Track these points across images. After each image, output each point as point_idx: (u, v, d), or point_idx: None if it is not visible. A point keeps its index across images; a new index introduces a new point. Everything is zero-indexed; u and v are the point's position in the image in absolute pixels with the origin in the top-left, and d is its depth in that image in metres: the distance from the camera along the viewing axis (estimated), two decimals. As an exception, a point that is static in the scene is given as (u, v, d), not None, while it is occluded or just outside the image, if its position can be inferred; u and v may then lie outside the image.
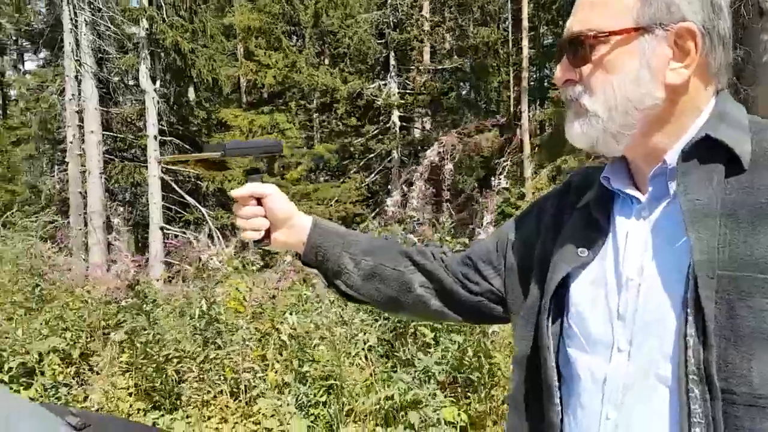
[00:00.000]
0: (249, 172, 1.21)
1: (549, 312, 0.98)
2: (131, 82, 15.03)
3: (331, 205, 12.91)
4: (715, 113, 0.90)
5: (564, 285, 0.98)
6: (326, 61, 18.25)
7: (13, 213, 7.73)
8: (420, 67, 14.03)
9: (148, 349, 4.29)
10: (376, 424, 3.84)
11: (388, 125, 13.83)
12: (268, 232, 1.20)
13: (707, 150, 0.87)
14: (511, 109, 21.72)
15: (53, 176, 13.95)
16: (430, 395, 3.57)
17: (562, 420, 0.97)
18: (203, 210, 13.94)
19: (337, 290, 1.24)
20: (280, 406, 3.91)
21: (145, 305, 4.53)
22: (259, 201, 1.18)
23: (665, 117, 0.90)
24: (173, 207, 14.11)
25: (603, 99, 0.90)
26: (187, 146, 14.57)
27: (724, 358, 0.78)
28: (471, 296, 1.18)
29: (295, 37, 19.49)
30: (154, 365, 4.27)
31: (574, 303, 0.97)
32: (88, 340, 4.84)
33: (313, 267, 1.23)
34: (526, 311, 1.05)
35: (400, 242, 1.34)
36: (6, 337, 4.84)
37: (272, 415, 3.84)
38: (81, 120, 13.19)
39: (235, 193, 1.18)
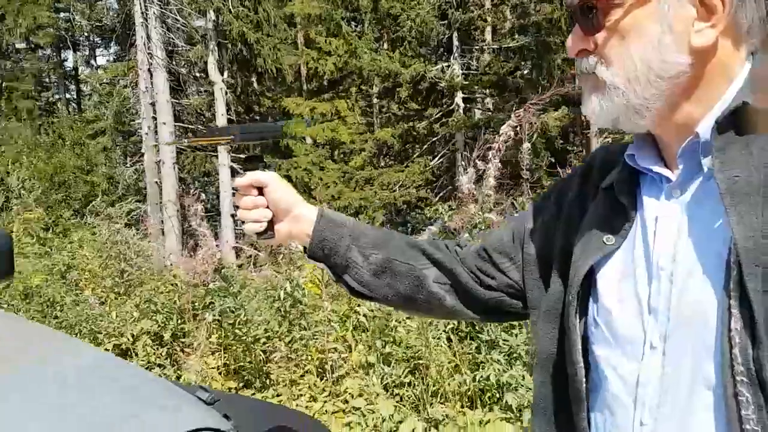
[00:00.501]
0: (249, 160, 1.12)
1: (576, 307, 0.89)
2: (198, 74, 15.44)
3: (395, 190, 12.92)
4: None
5: (590, 276, 0.89)
6: (385, 46, 18.23)
7: (97, 203, 8.12)
8: (484, 47, 13.77)
9: (236, 330, 4.44)
10: (462, 406, 3.84)
11: (451, 108, 13.70)
12: (271, 224, 1.13)
13: (745, 119, 0.76)
14: (576, 87, 21.11)
15: (128, 167, 14.59)
16: (519, 376, 3.55)
17: (589, 425, 0.89)
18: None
19: (346, 286, 1.14)
20: (366, 386, 3.98)
21: (231, 288, 4.68)
22: (261, 191, 1.11)
23: (693, 84, 0.80)
24: (241, 194, 14.45)
25: (622, 69, 0.80)
26: (254, 135, 14.87)
27: None
28: (488, 292, 1.09)
29: (354, 23, 19.53)
30: (243, 345, 4.42)
31: (599, 297, 0.88)
32: (179, 322, 5.04)
33: (319, 261, 1.13)
34: (547, 306, 0.97)
35: (411, 236, 1.29)
36: (100, 321, 5.10)
37: (359, 395, 3.91)
38: (154, 112, 13.66)
39: (235, 182, 1.11)
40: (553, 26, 17.95)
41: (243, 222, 1.11)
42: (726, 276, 0.72)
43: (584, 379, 0.88)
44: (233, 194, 1.23)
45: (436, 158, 13.59)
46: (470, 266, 1.10)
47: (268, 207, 1.10)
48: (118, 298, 5.68)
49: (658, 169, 0.86)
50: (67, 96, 23.25)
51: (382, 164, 15.12)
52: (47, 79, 23.38)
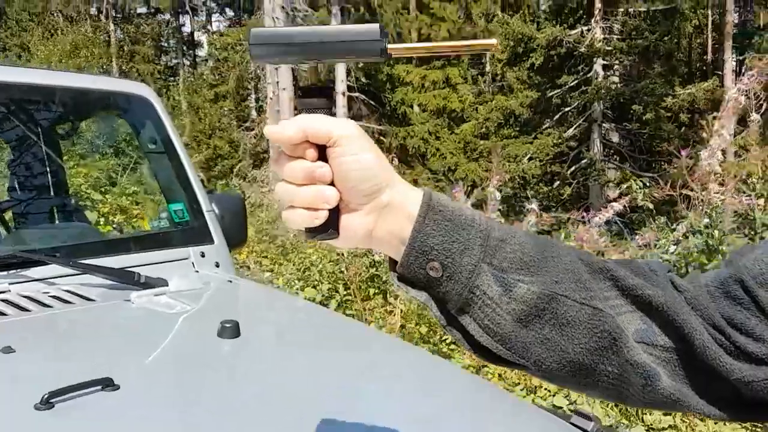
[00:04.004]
0: (305, 93, 0.64)
1: None
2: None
3: (524, 163, 12.30)
4: None
5: None
6: (499, 12, 17.42)
7: (244, 166, 8.17)
8: (630, 10, 12.69)
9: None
10: None
11: (588, 76, 12.82)
12: (335, 214, 0.63)
13: None
14: (709, 57, 19.45)
15: (250, 131, 14.78)
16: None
17: None
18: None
19: (463, 336, 0.64)
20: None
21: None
22: (323, 152, 0.61)
23: None
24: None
25: None
26: (373, 103, 14.67)
27: None
28: (748, 368, 0.61)
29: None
30: (428, 323, 4.18)
31: None
32: (345, 294, 4.87)
33: (418, 288, 0.63)
34: None
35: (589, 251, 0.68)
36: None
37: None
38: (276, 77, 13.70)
39: (272, 131, 0.60)
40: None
41: (281, 205, 0.63)
42: None
43: None
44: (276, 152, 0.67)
45: (570, 129, 12.79)
46: (709, 314, 0.62)
47: (332, 183, 0.61)
48: (276, 264, 5.62)
49: None
50: (185, 61, 23.97)
51: (510, 135, 14.44)
52: (166, 44, 24.20)
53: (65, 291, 1.63)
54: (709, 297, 0.63)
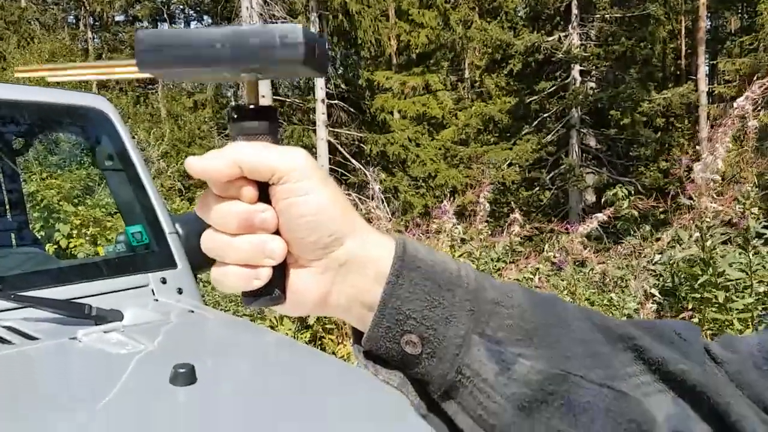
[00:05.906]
0: (241, 115, 0.48)
1: None
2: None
3: (504, 169, 12.26)
4: None
5: None
6: (477, 19, 17.46)
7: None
8: (607, 16, 12.75)
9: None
10: None
11: (566, 81, 12.85)
12: (281, 273, 0.49)
13: None
14: (683, 63, 19.66)
15: (224, 140, 14.60)
16: None
17: None
18: (367, 172, 13.94)
19: (448, 426, 0.50)
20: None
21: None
22: (264, 190, 0.47)
23: None
24: (339, 169, 14.26)
25: None
26: (353, 110, 14.57)
27: None
28: None
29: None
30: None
31: None
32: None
33: (389, 366, 0.49)
34: None
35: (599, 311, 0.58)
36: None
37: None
38: (254, 85, 13.58)
39: (195, 164, 0.46)
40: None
41: (208, 260, 0.49)
42: None
43: None
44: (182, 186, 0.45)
45: (549, 135, 12.78)
46: (758, 393, 0.50)
47: (277, 232, 0.48)
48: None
49: None
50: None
51: (490, 141, 14.43)
52: (143, 52, 23.82)
53: (5, 328, 1.48)
54: (757, 371, 0.51)
